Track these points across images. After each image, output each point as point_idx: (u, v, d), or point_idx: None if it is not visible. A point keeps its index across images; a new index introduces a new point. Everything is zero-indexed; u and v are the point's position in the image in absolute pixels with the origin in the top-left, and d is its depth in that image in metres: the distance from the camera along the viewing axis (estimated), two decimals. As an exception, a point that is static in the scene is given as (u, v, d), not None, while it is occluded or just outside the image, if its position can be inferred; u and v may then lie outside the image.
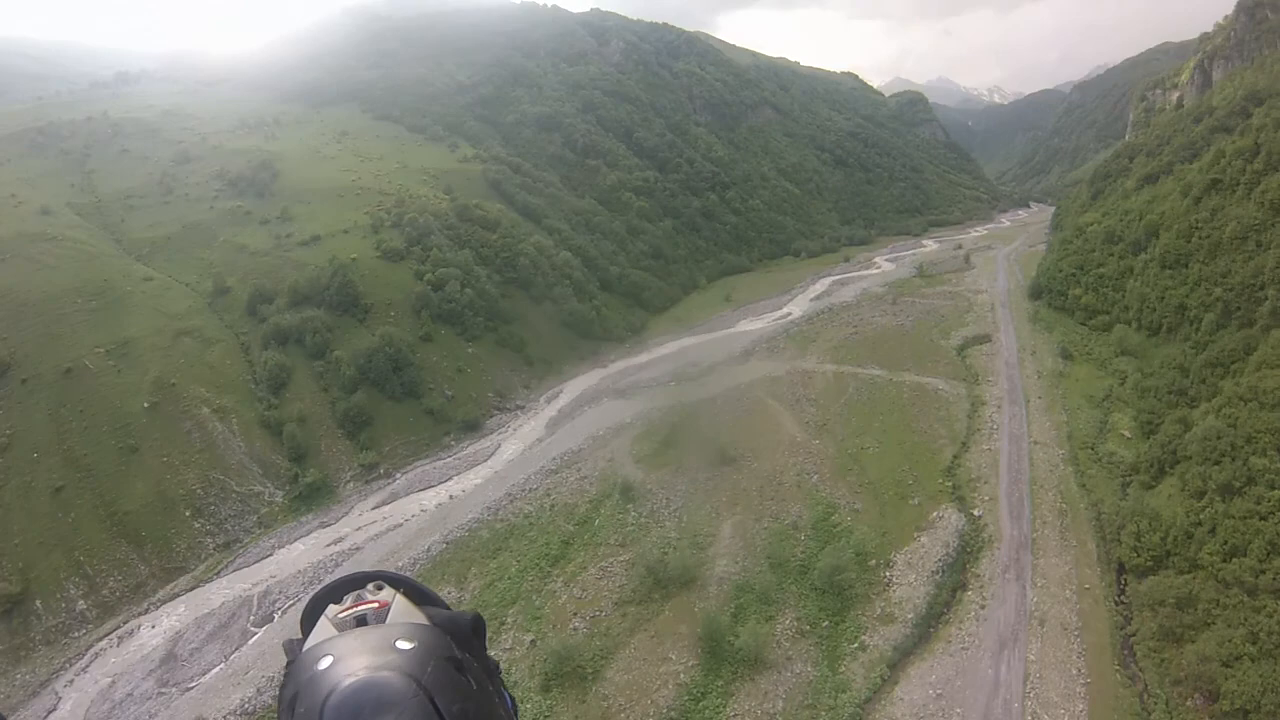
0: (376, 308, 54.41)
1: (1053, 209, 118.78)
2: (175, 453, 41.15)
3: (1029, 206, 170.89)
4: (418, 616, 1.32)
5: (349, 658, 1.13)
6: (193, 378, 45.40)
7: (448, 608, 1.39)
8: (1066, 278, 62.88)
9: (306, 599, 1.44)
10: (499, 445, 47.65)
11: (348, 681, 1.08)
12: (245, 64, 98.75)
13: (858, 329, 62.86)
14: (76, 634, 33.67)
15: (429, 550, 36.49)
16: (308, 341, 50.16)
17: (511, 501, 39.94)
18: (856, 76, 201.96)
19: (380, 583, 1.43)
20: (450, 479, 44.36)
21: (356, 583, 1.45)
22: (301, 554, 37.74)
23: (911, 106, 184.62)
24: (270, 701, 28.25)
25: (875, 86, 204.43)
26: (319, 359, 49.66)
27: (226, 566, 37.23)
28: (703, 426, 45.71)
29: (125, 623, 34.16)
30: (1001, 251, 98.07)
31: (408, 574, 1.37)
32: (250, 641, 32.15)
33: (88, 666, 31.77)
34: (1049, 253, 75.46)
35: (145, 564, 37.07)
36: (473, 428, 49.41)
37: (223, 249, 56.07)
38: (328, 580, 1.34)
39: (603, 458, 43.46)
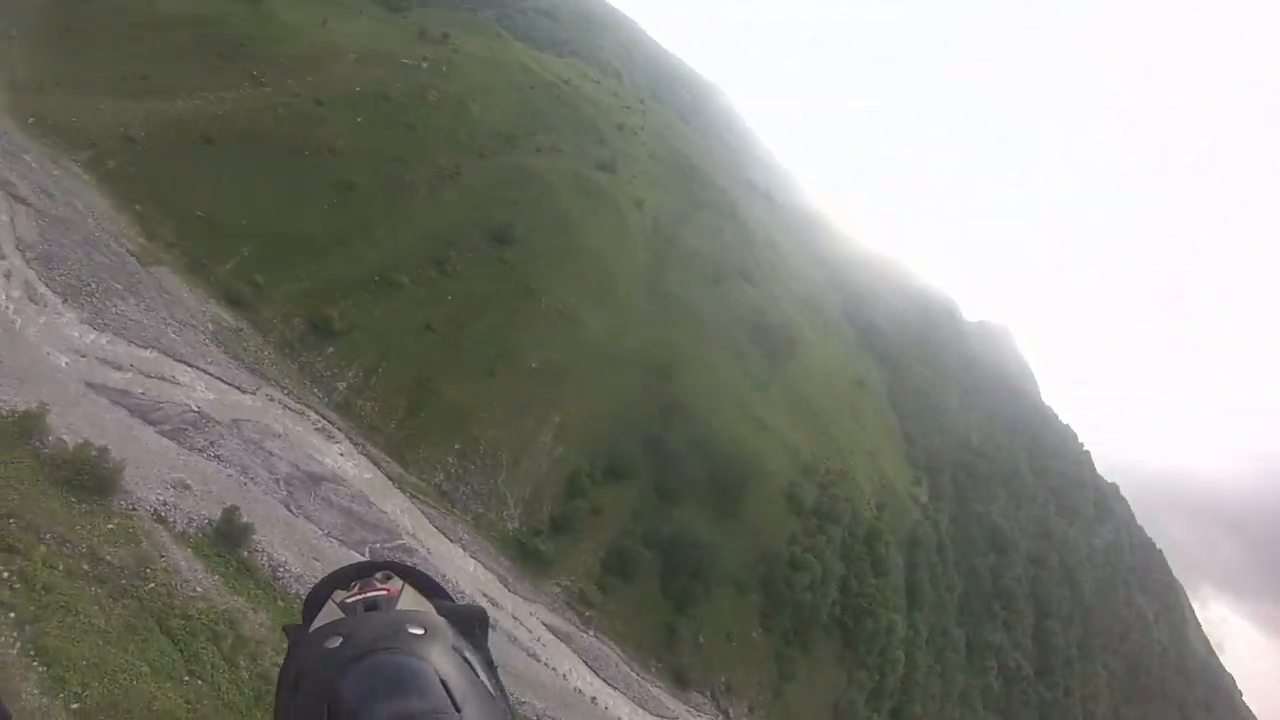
0: (749, 525, 54.29)
1: None
2: (514, 416, 45.40)
3: None
4: (426, 606, 1.50)
5: (360, 639, 1.27)
6: (574, 410, 49.77)
7: (453, 600, 1.56)
8: None
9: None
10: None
11: (360, 661, 1.21)
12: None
13: None
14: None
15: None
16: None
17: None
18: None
19: (388, 572, 1.58)
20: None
21: (364, 571, 1.58)
22: (456, 565, 36.73)
23: None
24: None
25: None
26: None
27: (425, 503, 38.43)
28: None
29: (336, 442, 37.08)
30: None
31: (416, 567, 1.56)
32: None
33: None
34: None
35: (405, 429, 40.65)
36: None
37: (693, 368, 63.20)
38: (335, 569, 1.57)
39: None
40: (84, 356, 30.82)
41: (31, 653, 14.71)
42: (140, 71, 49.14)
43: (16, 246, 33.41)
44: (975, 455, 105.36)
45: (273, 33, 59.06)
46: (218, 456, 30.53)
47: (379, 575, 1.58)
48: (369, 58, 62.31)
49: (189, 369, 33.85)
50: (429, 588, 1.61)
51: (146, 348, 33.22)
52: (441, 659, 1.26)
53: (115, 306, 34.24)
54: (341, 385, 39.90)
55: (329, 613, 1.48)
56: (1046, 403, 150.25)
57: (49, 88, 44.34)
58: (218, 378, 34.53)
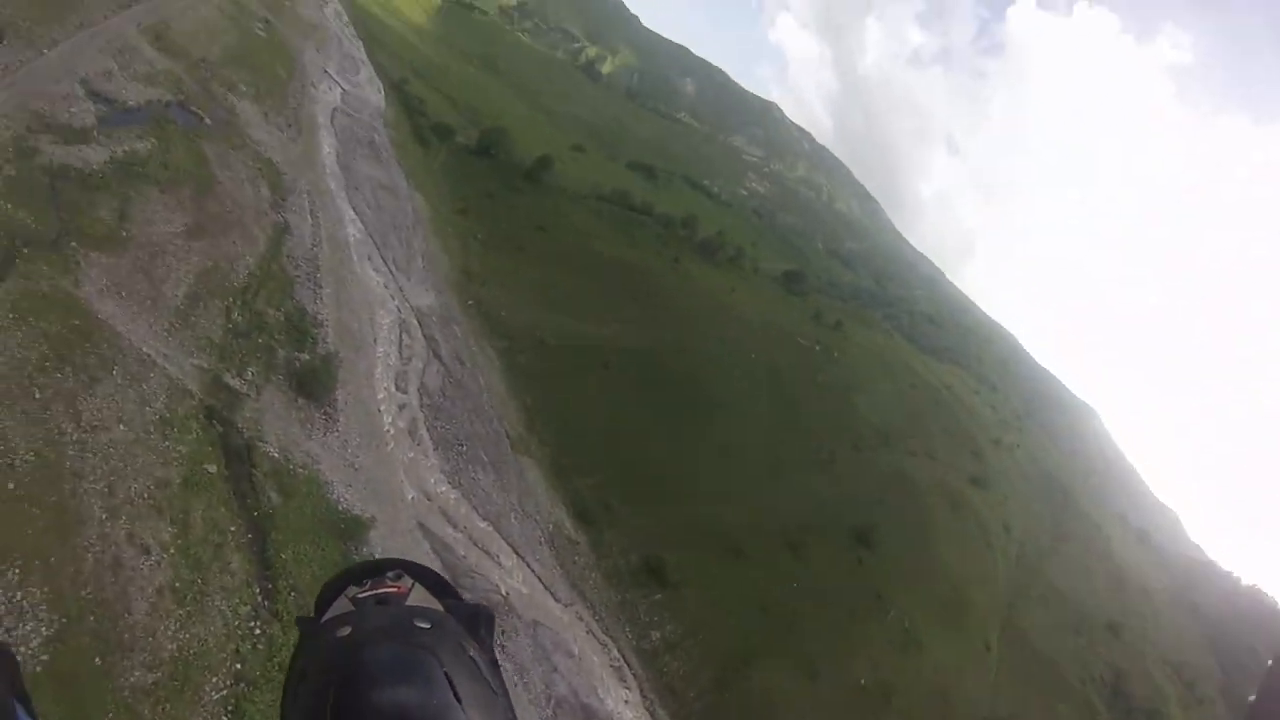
0: None
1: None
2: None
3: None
4: (434, 604, 1.50)
5: (368, 629, 1.31)
6: None
7: (462, 600, 1.57)
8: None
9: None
10: None
11: (367, 651, 1.24)
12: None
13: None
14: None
15: None
16: None
17: None
18: None
19: (399, 571, 1.58)
20: None
21: (376, 569, 1.58)
22: None
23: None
24: None
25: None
26: None
27: None
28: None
29: (627, 688, 34.58)
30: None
31: (428, 566, 1.57)
32: None
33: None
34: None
35: (703, 702, 36.33)
36: None
37: None
38: (348, 566, 1.56)
39: None
40: (429, 500, 31.89)
41: (229, 708, 11.97)
42: (565, 292, 55.94)
43: (419, 390, 36.99)
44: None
45: (685, 289, 65.82)
46: (502, 647, 29.04)
47: (390, 574, 1.55)
48: (767, 329, 66.68)
49: (515, 557, 33.54)
50: (439, 587, 1.57)
51: (485, 520, 33.62)
52: (447, 653, 1.27)
53: (474, 473, 35.57)
54: (655, 635, 37.38)
55: (340, 606, 1.46)
56: None
57: (491, 283, 51.68)
58: (538, 577, 33.82)
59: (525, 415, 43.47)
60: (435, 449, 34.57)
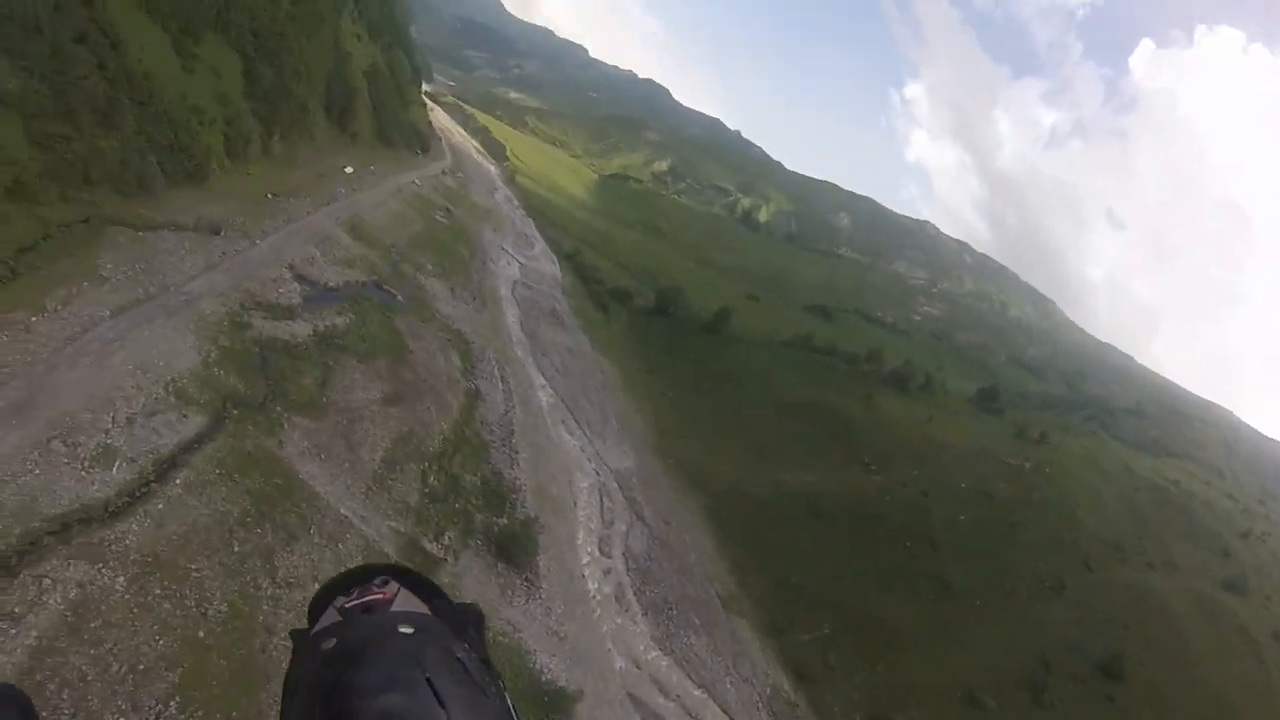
0: None
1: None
2: None
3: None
4: (420, 607, 1.55)
5: (352, 639, 1.36)
6: None
7: (450, 601, 1.61)
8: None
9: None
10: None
11: (352, 662, 1.28)
12: None
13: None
14: None
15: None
16: None
17: None
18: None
19: (386, 577, 1.62)
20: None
21: (363, 576, 1.63)
22: None
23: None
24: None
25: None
26: None
27: None
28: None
29: None
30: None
31: (414, 569, 1.66)
32: None
33: None
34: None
35: None
36: None
37: None
38: (336, 575, 1.63)
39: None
40: (639, 669, 30.06)
41: None
42: (761, 441, 55.27)
43: (623, 553, 36.07)
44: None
45: (882, 424, 64.01)
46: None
47: (377, 580, 1.61)
48: (971, 454, 63.39)
49: (732, 724, 31.34)
50: (426, 589, 1.63)
51: (699, 687, 31.53)
52: (430, 657, 1.30)
53: (686, 637, 33.64)
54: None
55: (329, 617, 1.52)
56: None
57: (686, 438, 51.21)
58: (759, 743, 31.40)
59: (735, 572, 41.92)
60: (644, 614, 33.15)
